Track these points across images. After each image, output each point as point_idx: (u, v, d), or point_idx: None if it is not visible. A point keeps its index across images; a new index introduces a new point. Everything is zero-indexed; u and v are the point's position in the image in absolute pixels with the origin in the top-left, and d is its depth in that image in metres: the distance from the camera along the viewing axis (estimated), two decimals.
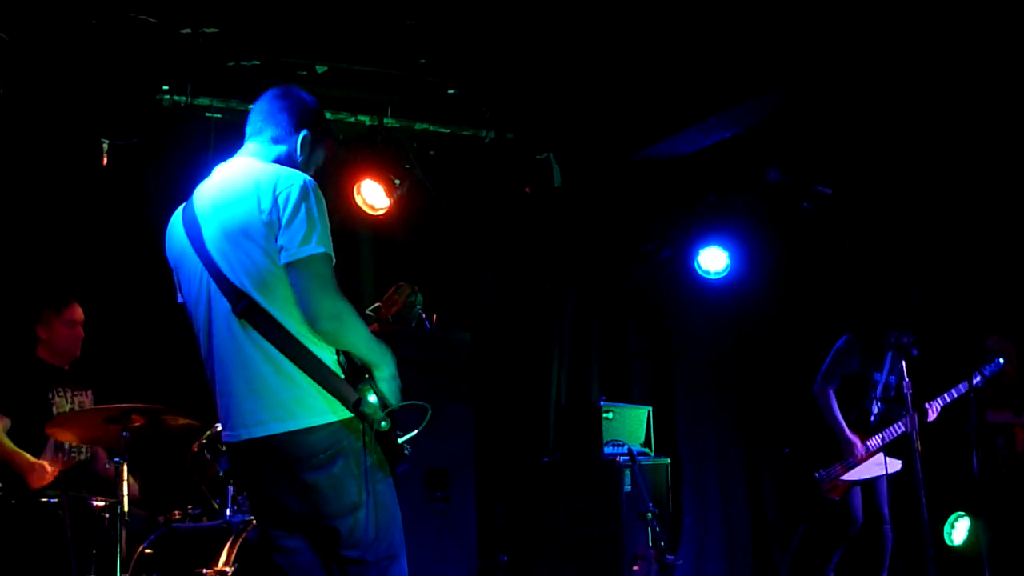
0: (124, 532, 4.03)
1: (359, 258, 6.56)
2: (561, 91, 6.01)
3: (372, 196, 6.09)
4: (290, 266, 2.74)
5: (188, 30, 5.05)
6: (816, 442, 5.58)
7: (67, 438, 4.57)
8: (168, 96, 5.62)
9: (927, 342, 5.16)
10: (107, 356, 5.15)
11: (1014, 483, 5.93)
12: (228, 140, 5.94)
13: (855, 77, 5.42)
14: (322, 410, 2.78)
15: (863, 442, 5.44)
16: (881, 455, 5.29)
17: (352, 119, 6.09)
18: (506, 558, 5.77)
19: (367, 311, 5.62)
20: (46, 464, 4.55)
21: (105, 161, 5.58)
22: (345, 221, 6.21)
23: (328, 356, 2.81)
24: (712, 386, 7.37)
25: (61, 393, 4.84)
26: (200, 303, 2.92)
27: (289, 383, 2.77)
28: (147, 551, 4.25)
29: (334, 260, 2.80)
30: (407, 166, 6.13)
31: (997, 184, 6.07)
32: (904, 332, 4.88)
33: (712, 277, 7.01)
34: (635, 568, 5.77)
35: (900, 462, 5.34)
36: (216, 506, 4.46)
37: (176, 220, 3.02)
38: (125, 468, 4.12)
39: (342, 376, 2.81)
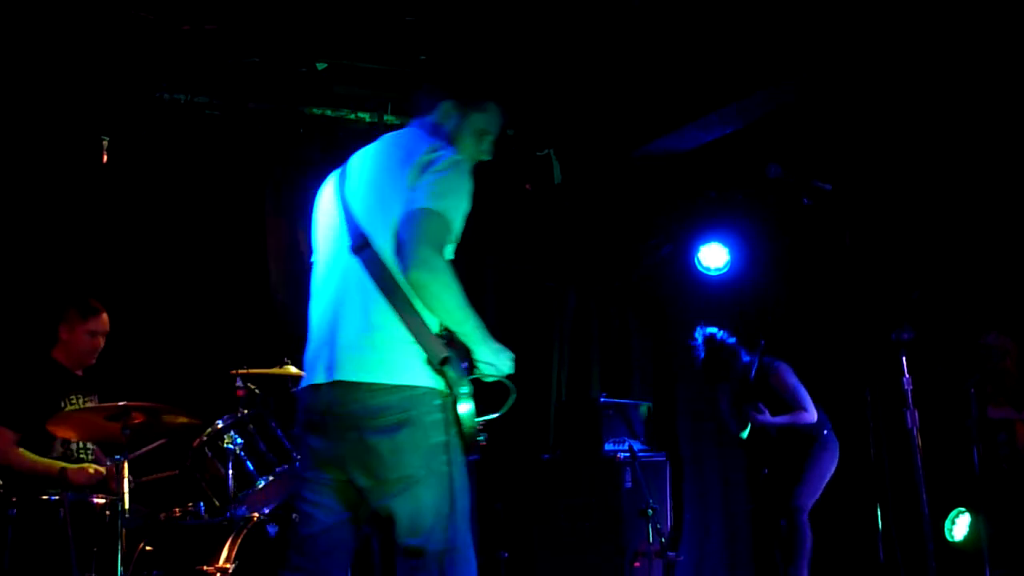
0: (125, 529, 4.02)
1: None
2: (561, 87, 6.00)
3: None
4: (408, 213, 2.69)
5: (188, 27, 5.05)
6: None
7: (68, 435, 4.57)
8: (168, 93, 5.61)
9: (928, 338, 5.16)
10: (110, 357, 5.12)
11: (1015, 479, 5.93)
12: (227, 137, 5.97)
13: (855, 73, 5.41)
14: (404, 371, 2.69)
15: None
16: None
17: (352, 116, 6.09)
18: (507, 554, 5.78)
19: None
20: (88, 467, 4.55)
21: (105, 158, 5.58)
22: None
23: (429, 316, 2.72)
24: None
25: (73, 400, 4.81)
26: (325, 248, 2.93)
27: (381, 333, 2.70)
28: (148, 548, 4.25)
29: (452, 233, 2.74)
30: None
31: (997, 179, 6.06)
32: (904, 328, 4.88)
33: (712, 273, 7.01)
34: (636, 564, 5.77)
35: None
36: (217, 503, 4.46)
37: (333, 174, 3.07)
38: (126, 466, 4.12)
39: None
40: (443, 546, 2.67)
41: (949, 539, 6.27)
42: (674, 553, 5.86)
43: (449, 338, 2.75)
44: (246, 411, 4.59)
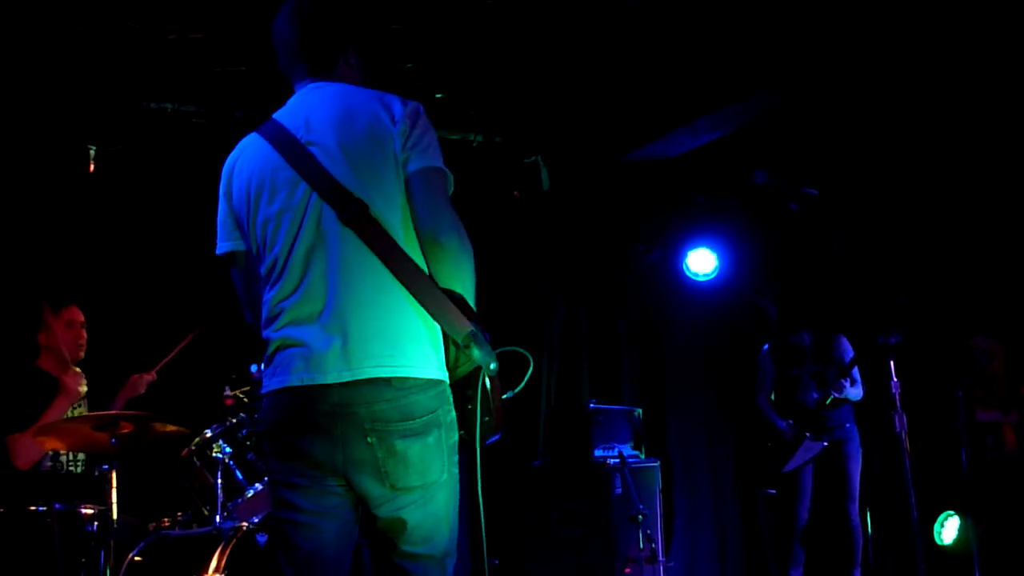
0: (113, 540, 4.00)
1: None
2: (549, 94, 6.01)
3: None
4: (418, 173, 2.47)
5: (174, 36, 5.04)
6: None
7: (56, 445, 4.54)
8: (154, 102, 5.61)
9: (915, 342, 5.18)
10: (98, 367, 5.10)
11: (1003, 482, 5.95)
12: (213, 146, 5.96)
13: (842, 79, 5.43)
14: (430, 362, 2.46)
15: (807, 432, 5.73)
16: (807, 440, 5.68)
17: None
18: (497, 562, 5.78)
19: None
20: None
21: (92, 167, 5.57)
22: None
23: (440, 287, 2.47)
24: (702, 387, 7.38)
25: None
26: (284, 223, 2.53)
27: (399, 314, 2.44)
28: (136, 559, 4.23)
29: None
30: None
31: (984, 184, 6.09)
32: (892, 332, 4.90)
33: (701, 279, 7.02)
34: (627, 571, 5.77)
35: (824, 442, 5.72)
36: (206, 512, 4.45)
37: (251, 141, 2.70)
38: (114, 475, 4.10)
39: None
40: (446, 549, 2.55)
41: (938, 542, 6.28)
42: (664, 559, 5.86)
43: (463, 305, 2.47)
44: (235, 420, 4.58)
